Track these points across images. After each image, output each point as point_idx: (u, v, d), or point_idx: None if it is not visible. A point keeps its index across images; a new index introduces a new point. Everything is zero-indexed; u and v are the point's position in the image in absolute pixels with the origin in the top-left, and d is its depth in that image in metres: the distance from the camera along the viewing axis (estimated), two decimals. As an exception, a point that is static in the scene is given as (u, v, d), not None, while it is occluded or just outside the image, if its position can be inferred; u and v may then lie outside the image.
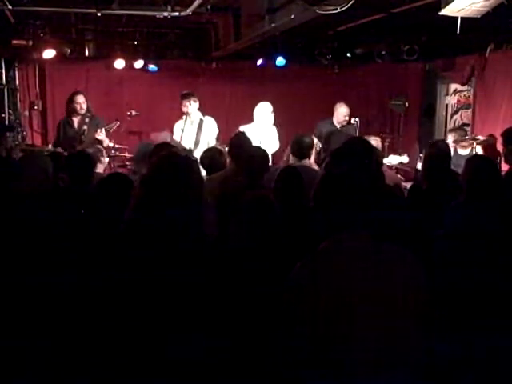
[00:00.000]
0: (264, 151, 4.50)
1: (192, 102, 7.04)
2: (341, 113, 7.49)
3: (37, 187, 3.68)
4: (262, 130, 6.89)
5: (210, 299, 1.99)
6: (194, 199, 2.07)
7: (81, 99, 7.11)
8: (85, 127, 7.07)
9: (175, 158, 2.24)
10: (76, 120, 7.16)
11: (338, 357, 1.97)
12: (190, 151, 6.96)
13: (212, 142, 6.90)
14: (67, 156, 4.47)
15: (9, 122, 8.44)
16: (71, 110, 7.16)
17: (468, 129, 8.45)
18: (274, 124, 7.09)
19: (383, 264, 2.04)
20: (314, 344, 1.98)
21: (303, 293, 2.01)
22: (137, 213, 2.05)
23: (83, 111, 7.12)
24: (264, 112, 6.92)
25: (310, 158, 4.93)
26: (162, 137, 7.84)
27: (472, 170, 3.52)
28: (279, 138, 7.16)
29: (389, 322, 1.99)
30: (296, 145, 4.88)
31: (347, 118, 7.45)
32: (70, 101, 7.18)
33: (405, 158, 7.26)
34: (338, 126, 7.47)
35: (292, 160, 4.90)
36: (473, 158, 4.02)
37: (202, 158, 5.00)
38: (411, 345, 2.02)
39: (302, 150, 4.84)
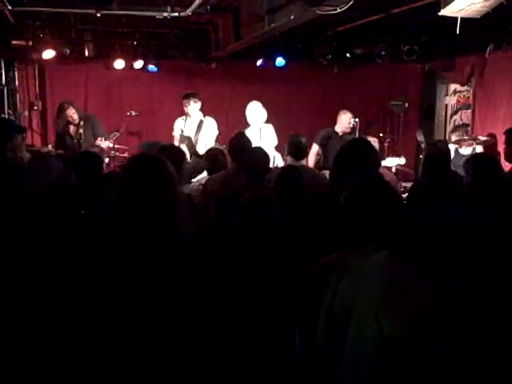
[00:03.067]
0: (264, 151, 4.50)
1: (192, 102, 7.00)
2: (345, 119, 7.14)
3: (46, 187, 3.68)
4: (259, 129, 6.87)
5: (206, 300, 1.99)
6: (168, 198, 2.10)
7: (71, 112, 7.05)
8: (81, 131, 7.06)
9: (146, 158, 2.27)
10: (72, 126, 7.16)
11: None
12: (190, 139, 6.97)
13: (210, 143, 6.88)
14: (75, 156, 4.47)
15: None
16: (64, 123, 7.13)
17: (468, 129, 8.47)
18: (268, 121, 7.03)
19: (394, 275, 2.04)
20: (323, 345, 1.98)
21: (314, 303, 2.01)
22: (111, 212, 2.10)
23: (76, 121, 7.08)
24: (256, 111, 6.88)
25: (306, 158, 4.93)
26: None
27: (476, 168, 3.50)
28: (278, 137, 7.14)
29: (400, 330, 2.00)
30: (293, 145, 4.88)
31: (351, 125, 7.17)
32: (61, 115, 7.13)
33: (402, 160, 7.29)
34: (341, 134, 7.35)
35: (289, 160, 4.91)
36: (477, 157, 4.00)
37: (204, 158, 4.99)
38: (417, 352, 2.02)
39: (299, 150, 4.84)
